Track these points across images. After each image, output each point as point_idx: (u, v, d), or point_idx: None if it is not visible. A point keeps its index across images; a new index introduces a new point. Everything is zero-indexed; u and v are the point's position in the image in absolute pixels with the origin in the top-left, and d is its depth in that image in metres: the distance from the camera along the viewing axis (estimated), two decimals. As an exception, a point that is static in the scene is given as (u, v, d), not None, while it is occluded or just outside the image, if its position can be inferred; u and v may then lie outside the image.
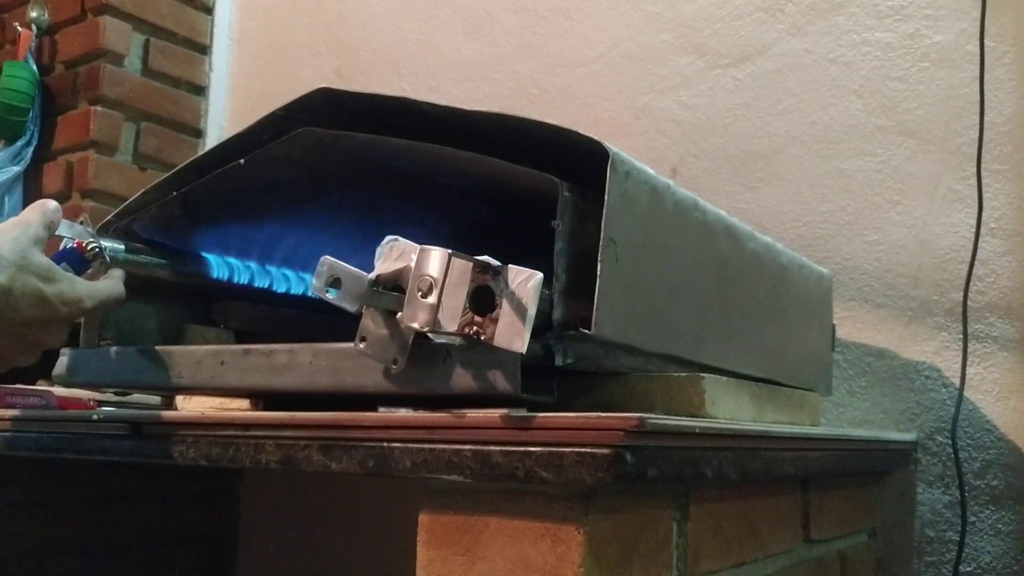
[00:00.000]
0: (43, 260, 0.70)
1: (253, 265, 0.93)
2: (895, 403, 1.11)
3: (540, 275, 0.57)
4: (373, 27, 1.64)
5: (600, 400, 0.69)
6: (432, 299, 0.58)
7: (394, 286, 0.60)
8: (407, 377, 0.61)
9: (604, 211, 0.60)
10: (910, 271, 1.12)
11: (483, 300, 0.57)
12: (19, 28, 1.70)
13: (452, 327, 0.58)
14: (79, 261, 0.78)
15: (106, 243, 0.82)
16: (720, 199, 1.17)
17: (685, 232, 0.72)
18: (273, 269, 0.95)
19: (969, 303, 1.07)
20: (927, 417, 1.09)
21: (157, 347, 0.78)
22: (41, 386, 1.04)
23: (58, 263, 0.73)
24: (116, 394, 1.02)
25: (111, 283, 0.77)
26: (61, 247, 0.79)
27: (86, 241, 0.80)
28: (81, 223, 0.83)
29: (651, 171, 0.67)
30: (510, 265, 0.57)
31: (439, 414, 0.58)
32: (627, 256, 0.62)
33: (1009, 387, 1.06)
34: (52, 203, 0.75)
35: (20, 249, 0.68)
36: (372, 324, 0.61)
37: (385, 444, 0.59)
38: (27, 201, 1.66)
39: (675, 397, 0.68)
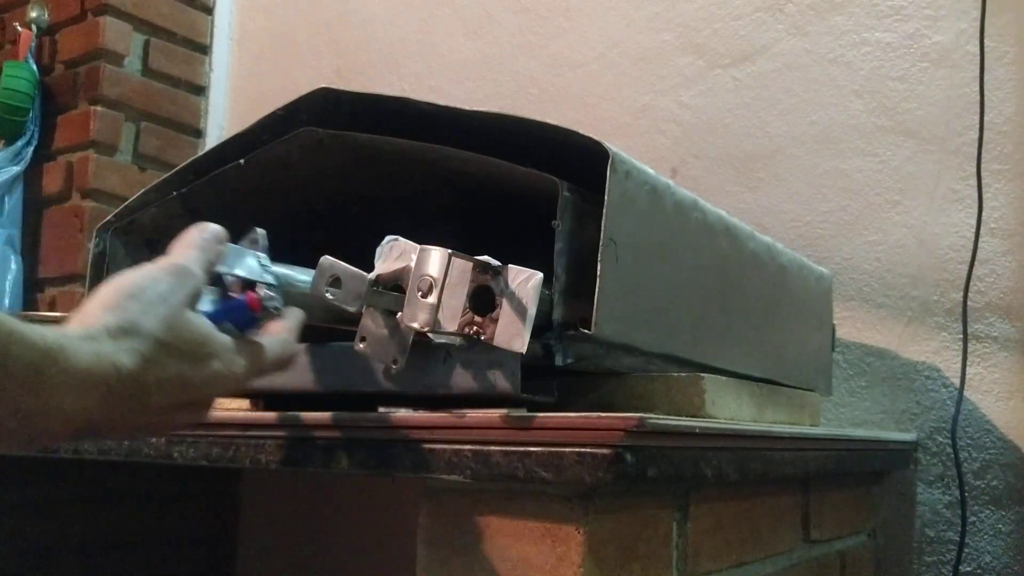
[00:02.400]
0: (197, 331, 0.51)
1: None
2: (895, 403, 1.11)
3: (540, 275, 0.57)
4: (373, 27, 1.64)
5: (600, 400, 0.69)
6: (432, 299, 0.58)
7: (394, 286, 0.60)
8: (407, 377, 0.61)
9: (604, 211, 0.60)
10: (910, 271, 1.12)
11: (483, 300, 0.57)
12: (19, 28, 1.70)
13: (452, 327, 0.58)
14: (247, 319, 0.56)
15: (294, 274, 0.61)
16: (720, 199, 1.17)
17: (685, 232, 0.72)
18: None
19: (969, 303, 1.07)
20: (927, 417, 1.09)
21: (157, 347, 0.78)
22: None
23: (217, 321, 0.53)
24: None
25: (281, 342, 0.56)
26: (228, 289, 0.56)
27: (262, 292, 0.57)
28: (254, 242, 0.60)
29: (651, 171, 0.67)
30: (510, 265, 0.57)
31: (439, 414, 0.58)
32: (627, 256, 0.62)
33: (1009, 387, 1.06)
34: (214, 229, 0.56)
35: (168, 317, 0.49)
36: (372, 324, 0.61)
37: (385, 444, 0.59)
38: (27, 201, 1.66)
39: (675, 397, 0.68)
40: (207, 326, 0.51)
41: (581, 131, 0.64)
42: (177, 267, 0.52)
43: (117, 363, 0.45)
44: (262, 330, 0.56)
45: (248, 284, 0.57)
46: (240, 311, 0.55)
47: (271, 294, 0.57)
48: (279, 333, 0.57)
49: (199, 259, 0.53)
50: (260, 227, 0.61)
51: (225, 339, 0.52)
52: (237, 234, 0.60)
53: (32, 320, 0.45)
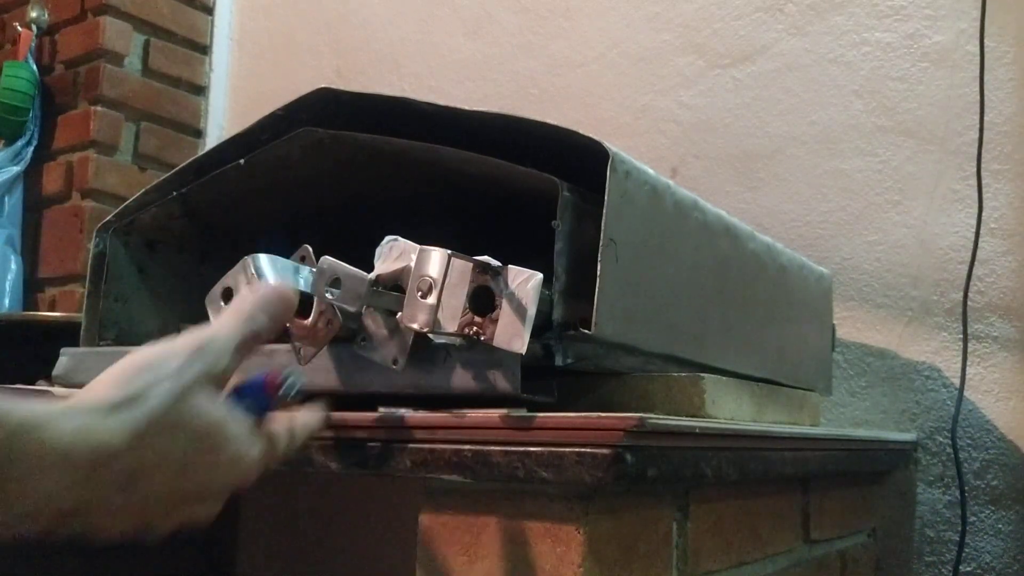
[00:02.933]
0: (208, 412, 0.46)
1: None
2: (895, 403, 1.11)
3: (540, 275, 0.57)
4: (373, 27, 1.64)
5: (600, 400, 0.69)
6: (432, 299, 0.58)
7: (394, 286, 0.60)
8: (407, 377, 0.61)
9: (604, 211, 0.60)
10: (910, 271, 1.12)
11: (483, 300, 0.57)
12: (19, 28, 1.70)
13: (452, 327, 0.58)
14: (264, 403, 0.51)
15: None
16: (720, 199, 1.17)
17: (685, 232, 0.72)
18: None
19: (969, 303, 1.07)
20: (927, 417, 1.09)
21: (157, 347, 0.78)
22: (41, 386, 1.04)
23: (237, 400, 0.50)
24: (116, 394, 1.01)
25: (297, 434, 0.53)
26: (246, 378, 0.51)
27: (286, 379, 0.52)
28: (303, 260, 0.57)
29: (651, 171, 0.67)
30: (510, 265, 0.57)
31: (439, 414, 0.58)
32: (627, 256, 0.62)
33: (1009, 387, 1.06)
34: (279, 296, 0.52)
35: (175, 393, 0.45)
36: (372, 324, 0.61)
37: (385, 444, 0.59)
38: (27, 201, 1.66)
39: (675, 397, 0.68)
40: (221, 408, 0.47)
41: (581, 131, 0.64)
42: (200, 342, 0.47)
43: (106, 439, 0.42)
44: (280, 414, 0.53)
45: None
46: (256, 392, 0.51)
47: (293, 382, 0.52)
48: (296, 421, 0.53)
49: (235, 333, 0.49)
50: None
51: (239, 425, 0.48)
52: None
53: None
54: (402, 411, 0.61)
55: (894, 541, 1.09)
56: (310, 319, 0.61)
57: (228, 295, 0.62)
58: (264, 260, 0.56)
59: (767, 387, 0.81)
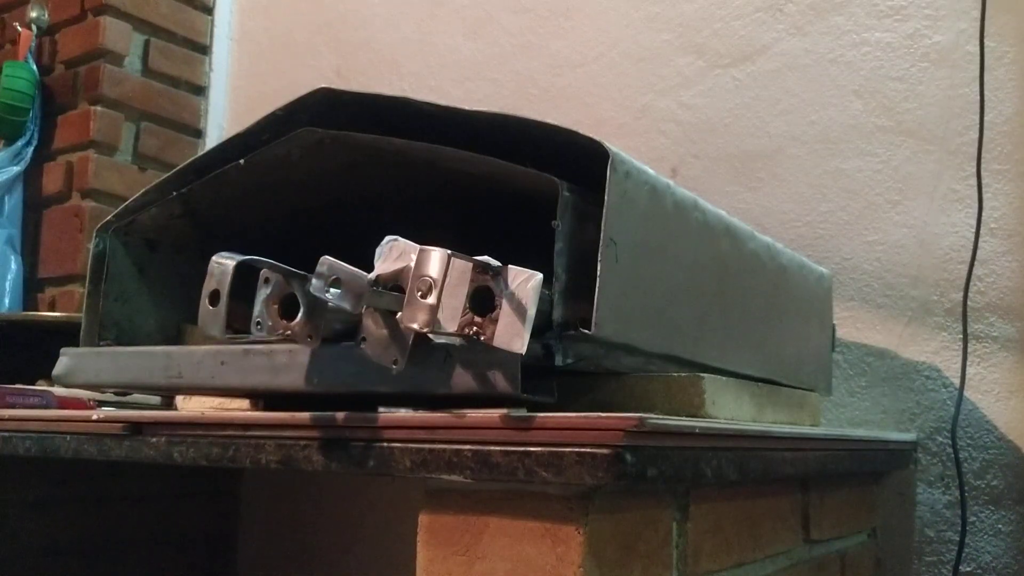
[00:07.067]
0: None
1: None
2: (895, 403, 1.11)
3: (540, 275, 0.57)
4: (373, 27, 1.64)
5: (600, 400, 0.69)
6: (432, 300, 0.58)
7: (394, 286, 0.60)
8: (407, 377, 0.61)
9: (604, 211, 0.60)
10: (910, 271, 1.12)
11: (483, 300, 0.57)
12: (19, 28, 1.70)
13: (452, 327, 0.58)
14: None
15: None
16: (720, 199, 1.17)
17: (685, 232, 0.72)
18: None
19: (969, 303, 1.07)
20: (927, 417, 1.09)
21: (157, 347, 0.78)
22: (41, 386, 1.04)
23: None
24: (116, 394, 1.02)
25: None
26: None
27: None
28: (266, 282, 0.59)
29: (651, 171, 0.67)
30: (510, 265, 0.57)
31: (439, 414, 0.58)
32: (627, 256, 0.62)
33: (1009, 387, 1.06)
34: None
35: None
36: (372, 324, 0.61)
37: (385, 444, 0.59)
38: (27, 201, 1.66)
39: (675, 397, 0.68)
40: None
41: (581, 131, 0.64)
42: None
43: None
44: None
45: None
46: None
47: None
48: None
49: None
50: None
51: None
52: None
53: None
54: (402, 411, 0.61)
55: (894, 541, 1.09)
56: (296, 320, 0.61)
57: (215, 297, 0.63)
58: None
59: (767, 387, 0.81)
